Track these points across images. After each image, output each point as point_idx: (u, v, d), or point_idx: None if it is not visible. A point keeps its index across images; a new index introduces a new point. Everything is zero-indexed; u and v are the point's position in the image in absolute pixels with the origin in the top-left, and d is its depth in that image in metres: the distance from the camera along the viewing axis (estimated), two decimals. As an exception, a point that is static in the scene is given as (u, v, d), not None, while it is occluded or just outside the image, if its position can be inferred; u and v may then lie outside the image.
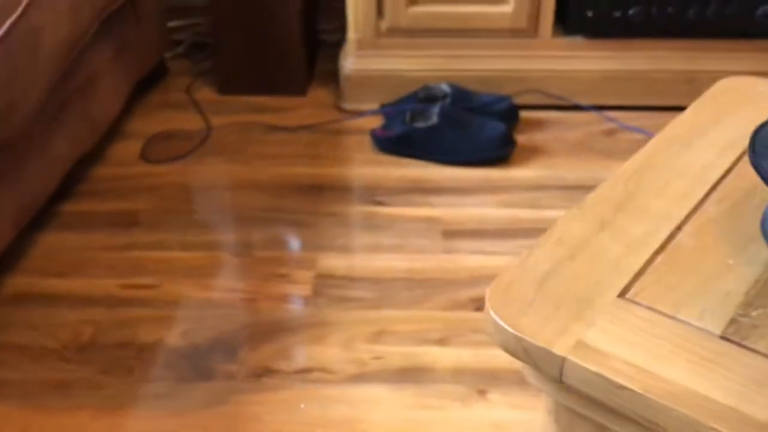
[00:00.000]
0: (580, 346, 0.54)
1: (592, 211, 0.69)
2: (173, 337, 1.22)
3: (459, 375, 1.14)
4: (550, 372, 0.56)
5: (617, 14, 1.71)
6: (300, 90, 1.94)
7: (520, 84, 1.81)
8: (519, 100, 1.79)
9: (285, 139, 1.78)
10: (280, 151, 1.74)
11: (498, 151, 1.65)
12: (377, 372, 1.15)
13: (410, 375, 1.14)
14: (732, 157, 0.75)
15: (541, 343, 0.55)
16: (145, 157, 1.72)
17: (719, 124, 0.82)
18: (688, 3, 1.67)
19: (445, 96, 1.75)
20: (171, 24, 2.12)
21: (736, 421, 0.49)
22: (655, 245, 0.64)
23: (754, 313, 0.57)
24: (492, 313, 0.58)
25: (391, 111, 1.78)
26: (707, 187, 0.71)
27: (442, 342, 1.20)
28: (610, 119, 1.79)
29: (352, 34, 1.80)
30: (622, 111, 1.80)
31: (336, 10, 1.96)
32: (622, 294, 0.59)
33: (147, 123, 1.85)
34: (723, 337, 0.55)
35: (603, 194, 0.71)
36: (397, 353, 1.18)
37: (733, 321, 0.56)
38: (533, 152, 1.69)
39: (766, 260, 0.62)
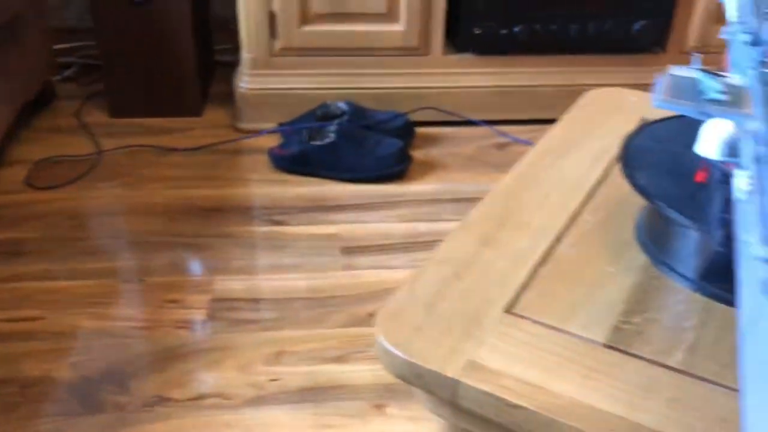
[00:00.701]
0: (472, 366, 0.55)
1: (476, 227, 0.70)
2: (61, 371, 1.16)
3: (357, 391, 1.13)
4: (444, 395, 0.56)
5: (503, 32, 1.76)
6: (195, 111, 1.91)
7: (415, 101, 1.83)
8: (414, 117, 1.82)
9: (180, 162, 1.74)
10: (175, 173, 1.70)
11: (395, 167, 1.66)
12: (276, 394, 1.13)
13: (309, 395, 1.13)
14: (603, 167, 0.79)
15: (432, 367, 0.55)
16: (30, 183, 1.64)
17: (589, 135, 0.85)
18: (570, 20, 1.74)
19: (342, 114, 1.76)
20: (58, 46, 2.04)
21: (624, 430, 0.51)
22: (537, 258, 0.65)
23: (635, 320, 0.59)
24: (382, 340, 0.57)
25: (288, 129, 1.77)
26: (582, 197, 0.74)
27: (340, 359, 1.19)
28: (502, 133, 1.84)
29: (245, 54, 1.78)
30: (513, 125, 1.86)
31: (231, 30, 1.94)
32: (508, 309, 0.60)
33: (33, 148, 1.76)
34: (607, 346, 0.56)
35: (485, 210, 0.73)
36: (295, 373, 1.16)
37: (616, 329, 0.58)
38: (429, 167, 1.72)
39: (642, 266, 0.65)
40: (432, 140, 1.82)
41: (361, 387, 1.15)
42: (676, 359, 0.55)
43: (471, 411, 0.55)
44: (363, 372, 1.17)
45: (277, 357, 1.20)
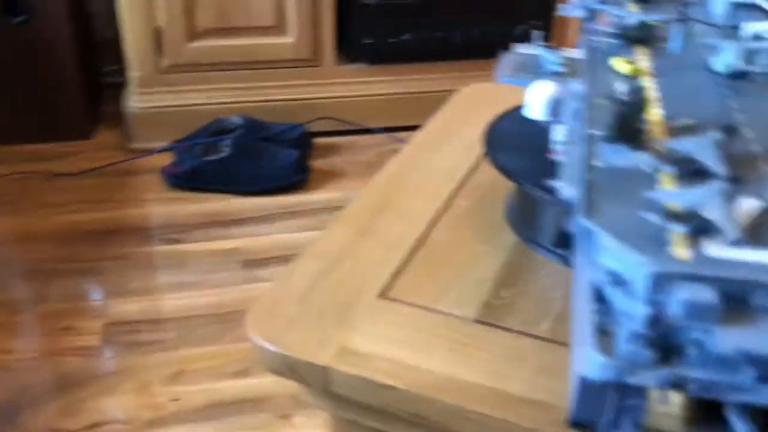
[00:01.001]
0: (344, 352, 0.54)
1: (351, 220, 0.70)
2: (-55, 411, 1.10)
3: (261, 404, 1.12)
4: (317, 384, 0.55)
5: (393, 40, 1.79)
6: (83, 134, 1.85)
7: (311, 111, 1.84)
8: (312, 128, 1.82)
9: (69, 186, 1.68)
10: (64, 198, 1.64)
11: (293, 177, 1.66)
12: (176, 414, 1.10)
13: (211, 412, 1.10)
14: (476, 155, 0.80)
15: (304, 357, 0.54)
16: None
17: (462, 127, 0.87)
18: (454, 27, 1.79)
19: (237, 128, 1.74)
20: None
21: (493, 400, 0.51)
22: (412, 243, 0.66)
23: (505, 294, 0.60)
24: (254, 335, 0.57)
25: (181, 146, 1.74)
26: (455, 184, 0.75)
27: (242, 374, 1.17)
28: (399, 140, 1.86)
29: (133, 73, 1.75)
30: (409, 131, 1.87)
31: (119, 50, 1.89)
32: (382, 294, 0.60)
33: None
34: (478, 321, 0.57)
35: (361, 203, 0.73)
36: (196, 392, 1.14)
37: (486, 304, 0.59)
38: (329, 176, 1.72)
39: (512, 245, 0.66)
40: (330, 150, 1.82)
41: (266, 399, 1.13)
42: (543, 328, 0.57)
43: (346, 397, 0.55)
44: (267, 384, 1.15)
45: (177, 377, 1.17)
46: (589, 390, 0.36)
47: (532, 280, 0.62)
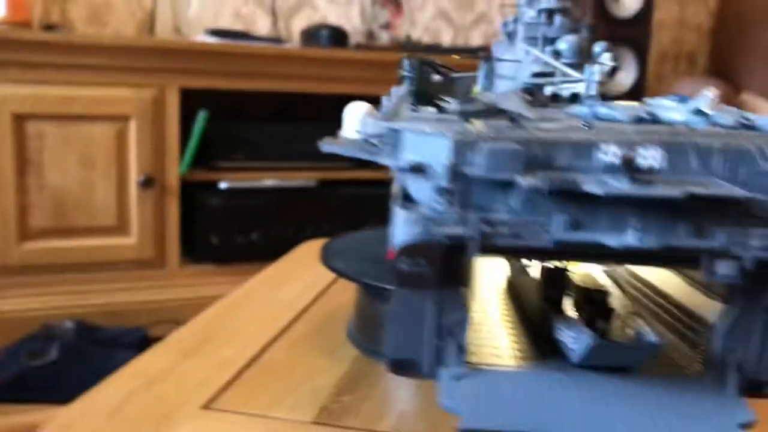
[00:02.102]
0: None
1: (178, 344, 0.65)
2: None
3: None
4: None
5: (241, 240, 1.79)
6: None
7: (154, 315, 1.75)
8: (155, 331, 1.72)
9: None
10: None
11: (130, 381, 1.53)
12: None
13: None
14: (318, 290, 0.78)
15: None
16: None
17: (305, 269, 0.86)
18: (305, 225, 1.82)
19: (67, 332, 1.61)
20: None
21: None
22: (243, 363, 0.61)
23: (345, 399, 0.55)
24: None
25: (3, 352, 1.58)
26: (294, 313, 0.72)
27: None
28: (248, 340, 1.79)
29: (-45, 277, 1.61)
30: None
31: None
32: (206, 406, 0.54)
33: None
34: (315, 423, 0.52)
35: (190, 329, 0.68)
36: None
37: (324, 408, 0.54)
38: (170, 380, 1.60)
39: (354, 357, 0.62)
40: (173, 354, 1.71)
41: None
42: (385, 425, 0.52)
43: None
44: None
45: None
46: (404, 315, 0.41)
47: (373, 386, 0.58)
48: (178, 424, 0.51)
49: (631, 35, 2.07)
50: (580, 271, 0.54)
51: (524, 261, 0.57)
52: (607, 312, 0.48)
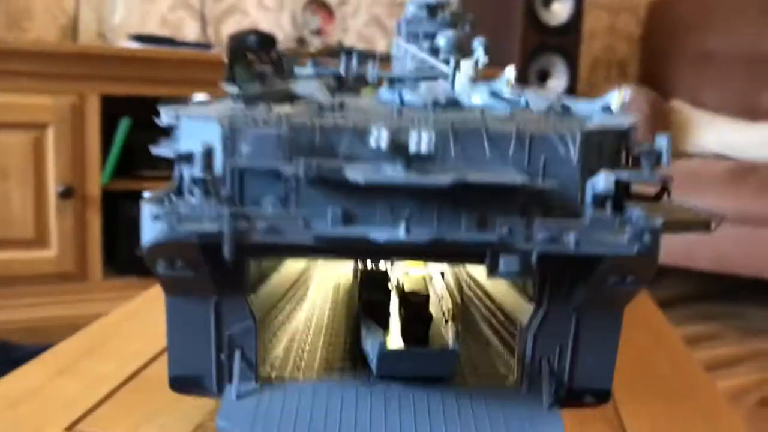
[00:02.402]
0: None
1: (55, 359, 0.61)
2: None
3: None
4: None
5: (167, 250, 1.74)
6: None
7: (76, 330, 1.68)
8: (75, 348, 1.66)
9: None
10: None
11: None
12: None
13: None
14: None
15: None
16: None
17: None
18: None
19: (-17, 351, 1.54)
20: None
21: None
22: (120, 380, 0.57)
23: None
24: None
25: None
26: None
27: None
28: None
29: None
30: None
31: None
32: (70, 427, 0.50)
33: None
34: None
35: (69, 344, 0.65)
36: None
37: (199, 427, 0.51)
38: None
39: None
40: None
41: None
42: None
43: None
44: None
45: None
46: (181, 326, 0.39)
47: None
48: (34, 448, 0.47)
49: (561, 43, 2.09)
50: (415, 273, 0.52)
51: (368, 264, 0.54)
52: (426, 318, 0.46)
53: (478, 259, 0.36)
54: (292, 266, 0.54)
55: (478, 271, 0.55)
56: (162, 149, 0.39)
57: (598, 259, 0.37)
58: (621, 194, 0.37)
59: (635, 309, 0.85)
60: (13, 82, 1.58)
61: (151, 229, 0.34)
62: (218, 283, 0.37)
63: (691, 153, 2.12)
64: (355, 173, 0.33)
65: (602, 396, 0.44)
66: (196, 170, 0.34)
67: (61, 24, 1.92)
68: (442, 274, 0.60)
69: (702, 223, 0.38)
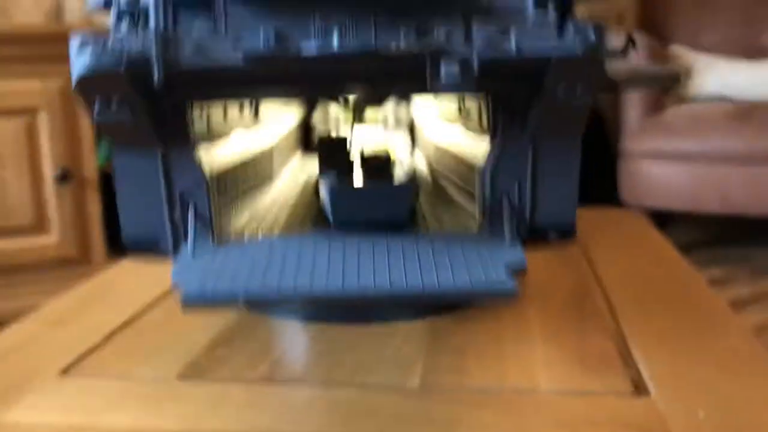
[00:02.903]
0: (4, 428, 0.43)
1: (50, 313, 0.60)
2: None
3: None
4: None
5: (169, 228, 1.73)
6: None
7: (83, 315, 1.68)
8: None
9: None
10: None
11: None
12: None
13: None
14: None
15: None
16: None
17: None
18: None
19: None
20: None
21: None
22: (115, 326, 0.56)
23: (218, 352, 0.51)
24: None
25: None
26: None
27: None
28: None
29: None
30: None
31: None
32: (65, 372, 0.49)
33: None
34: (180, 377, 0.48)
35: (66, 298, 0.64)
36: None
37: (193, 363, 0.50)
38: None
39: (234, 315, 0.58)
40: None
41: None
42: (258, 372, 0.48)
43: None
44: None
45: None
46: (130, 182, 0.38)
47: (251, 338, 0.54)
48: (28, 392, 0.46)
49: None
50: (377, 145, 0.51)
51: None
52: (388, 178, 0.45)
53: (421, 83, 0.34)
54: (249, 148, 0.52)
55: (441, 133, 0.54)
56: (93, 2, 0.38)
57: (543, 68, 0.35)
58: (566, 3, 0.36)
59: (638, 235, 0.84)
60: (0, 68, 1.56)
61: (78, 63, 0.34)
62: (162, 133, 0.36)
63: (692, 97, 2.09)
64: None
65: (566, 232, 0.42)
66: (123, 3, 0.34)
67: (46, 9, 1.90)
68: (408, 153, 0.60)
69: (670, 77, 0.36)
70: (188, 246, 0.38)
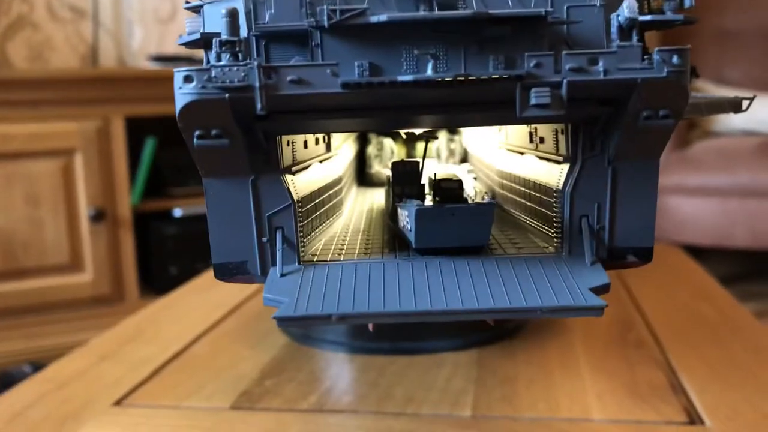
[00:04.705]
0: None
1: (98, 347, 0.61)
2: None
3: None
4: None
5: (200, 266, 1.75)
6: None
7: (115, 353, 1.69)
8: (116, 370, 1.66)
9: None
10: None
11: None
12: None
13: None
14: (250, 291, 0.75)
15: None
16: None
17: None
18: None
19: (27, 378, 1.55)
20: None
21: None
22: (163, 361, 0.57)
23: (267, 383, 0.52)
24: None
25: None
26: (225, 311, 0.68)
27: None
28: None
29: None
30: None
31: None
32: (118, 402, 0.50)
33: None
34: (234, 408, 0.48)
35: (113, 333, 0.65)
36: None
37: (244, 393, 0.50)
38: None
39: (283, 344, 0.59)
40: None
41: None
42: (309, 402, 0.49)
43: None
44: None
45: None
46: (221, 210, 0.38)
47: (300, 368, 0.54)
48: (84, 422, 0.47)
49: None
50: (447, 171, 0.52)
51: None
52: (461, 200, 0.46)
53: (510, 115, 0.35)
54: (323, 173, 0.54)
55: (507, 161, 0.55)
56: (186, 37, 0.39)
57: (628, 92, 0.36)
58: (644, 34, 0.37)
59: (676, 268, 0.84)
60: (39, 111, 1.60)
61: (183, 95, 0.35)
62: (253, 160, 0.37)
63: (718, 132, 2.09)
64: (379, 15, 0.34)
65: (644, 255, 0.42)
66: (223, 34, 0.35)
67: (82, 52, 1.96)
68: (475, 179, 0.61)
69: (732, 104, 0.37)
70: (277, 268, 0.39)
